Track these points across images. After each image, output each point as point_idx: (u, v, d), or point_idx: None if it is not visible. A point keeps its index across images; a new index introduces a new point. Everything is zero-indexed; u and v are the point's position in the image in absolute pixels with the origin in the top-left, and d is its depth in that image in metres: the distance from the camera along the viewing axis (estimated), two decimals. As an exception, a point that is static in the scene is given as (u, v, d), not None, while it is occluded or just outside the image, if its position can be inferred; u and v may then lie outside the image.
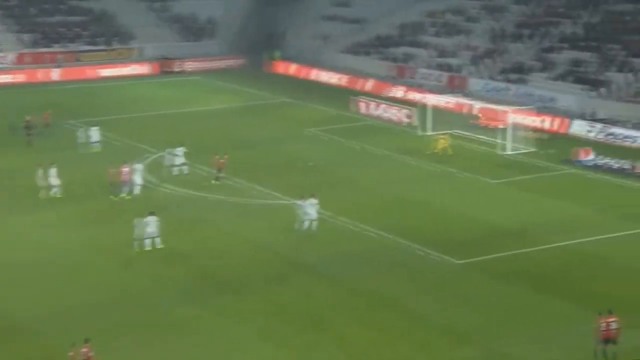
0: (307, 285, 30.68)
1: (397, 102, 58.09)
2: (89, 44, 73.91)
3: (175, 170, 42.92)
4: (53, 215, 37.58)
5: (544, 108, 55.28)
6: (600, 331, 24.99)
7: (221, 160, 41.76)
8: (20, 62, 70.34)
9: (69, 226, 36.48)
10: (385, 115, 55.73)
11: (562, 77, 58.90)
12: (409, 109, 54.86)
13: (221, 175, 41.67)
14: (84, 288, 30.47)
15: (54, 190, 39.55)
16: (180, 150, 43.10)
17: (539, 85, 58.88)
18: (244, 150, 44.65)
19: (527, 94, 58.15)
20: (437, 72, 64.62)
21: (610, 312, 25.27)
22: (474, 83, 61.77)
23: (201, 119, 56.43)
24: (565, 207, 38.98)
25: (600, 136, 51.32)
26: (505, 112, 49.31)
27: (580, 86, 57.24)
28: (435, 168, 45.03)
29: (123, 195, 39.33)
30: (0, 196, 40.24)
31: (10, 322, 27.84)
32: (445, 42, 68.78)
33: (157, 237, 33.46)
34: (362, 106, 57.32)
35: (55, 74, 69.27)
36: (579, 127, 52.57)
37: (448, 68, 64.73)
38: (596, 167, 44.94)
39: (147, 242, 33.43)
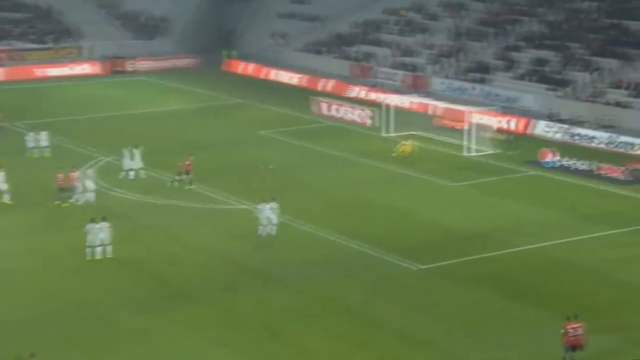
0: (263, 292, 30.57)
1: (358, 103, 58.25)
2: (35, 42, 73.04)
3: (132, 175, 42.55)
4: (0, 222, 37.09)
5: (507, 108, 55.84)
6: (565, 337, 25.20)
7: (187, 162, 41.46)
8: (-39, 61, 69.39)
9: (16, 233, 35.96)
10: (346, 116, 55.85)
11: (524, 77, 59.54)
12: (370, 110, 55.03)
13: (185, 178, 41.34)
14: (30, 298, 30.03)
15: (5, 197, 38.96)
16: (137, 153, 42.73)
17: (502, 84, 59.46)
18: (198, 153, 44.35)
19: (489, 93, 58.68)
20: (397, 72, 64.91)
21: (575, 317, 25.51)
22: (436, 83, 62.17)
23: (154, 121, 56.01)
24: (529, 209, 39.38)
25: (563, 137, 51.99)
26: (467, 112, 49.69)
27: (543, 86, 57.92)
28: (396, 171, 45.21)
29: (72, 201, 38.84)
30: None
31: (-49, 335, 27.34)
32: (406, 40, 69.14)
33: (108, 244, 33.09)
34: (322, 107, 57.35)
35: (-1, 74, 68.37)
36: (542, 128, 53.20)
37: (409, 67, 65.04)
38: (559, 169, 45.49)
39: (99, 249, 33.05)
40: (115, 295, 30.29)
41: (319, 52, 71.56)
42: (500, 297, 30.24)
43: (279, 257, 33.73)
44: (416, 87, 62.27)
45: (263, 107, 59.99)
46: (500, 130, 51.81)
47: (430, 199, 41.05)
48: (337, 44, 71.69)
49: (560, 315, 26.50)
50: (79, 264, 32.76)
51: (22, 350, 24.62)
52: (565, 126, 52.38)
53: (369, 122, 54.30)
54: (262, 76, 70.38)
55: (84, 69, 71.42)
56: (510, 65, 61.19)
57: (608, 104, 53.78)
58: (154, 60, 73.96)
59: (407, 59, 66.20)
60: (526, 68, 60.34)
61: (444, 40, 67.26)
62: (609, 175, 43.90)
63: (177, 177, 41.62)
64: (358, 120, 55.07)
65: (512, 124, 53.38)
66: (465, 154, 48.21)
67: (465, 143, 48.42)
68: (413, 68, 64.74)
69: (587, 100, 55.13)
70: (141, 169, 42.82)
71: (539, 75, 58.92)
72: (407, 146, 46.90)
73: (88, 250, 33.02)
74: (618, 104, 53.32)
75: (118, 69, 72.05)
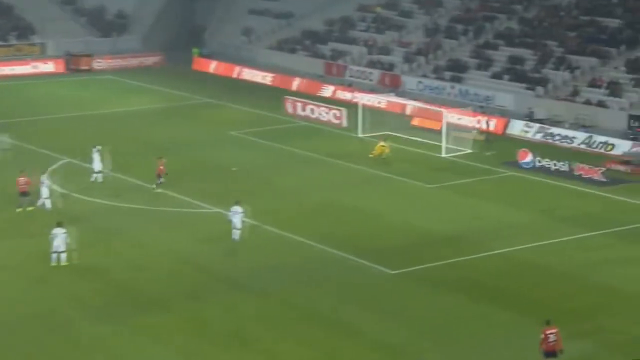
0: (232, 299, 30.42)
1: (329, 102, 58.23)
2: (-4, 39, 72.34)
3: (94, 177, 42.25)
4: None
5: (484, 108, 56.05)
6: (545, 343, 25.28)
7: (160, 167, 41.22)
8: None
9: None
10: (320, 116, 55.78)
11: (501, 75, 59.80)
12: (341, 110, 55.02)
13: (161, 181, 41.13)
14: (-12, 307, 29.70)
15: None
16: (97, 154, 42.41)
17: (476, 83, 59.68)
18: (167, 155, 43.97)
19: (466, 92, 58.89)
20: (373, 71, 64.94)
21: (548, 323, 25.59)
22: (412, 82, 62.29)
23: (116, 122, 55.56)
24: (505, 211, 39.54)
25: (541, 137, 52.28)
26: (443, 112, 49.81)
27: (520, 85, 58.20)
28: (371, 172, 45.21)
29: (32, 206, 38.43)
30: None
31: None
32: (381, 38, 69.24)
33: (62, 252, 32.71)
34: (295, 107, 57.26)
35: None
36: (520, 128, 53.45)
37: (385, 66, 65.12)
38: (538, 170, 45.72)
39: (62, 256, 32.70)
40: (76, 303, 30.02)
41: (292, 51, 71.45)
42: (475, 302, 30.31)
43: (248, 262, 33.58)
44: (391, 86, 62.36)
45: (234, 107, 59.78)
46: (478, 130, 52.00)
47: (405, 200, 41.09)
48: (311, 42, 71.62)
49: (536, 320, 26.59)
50: (42, 270, 32.41)
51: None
52: (545, 126, 52.66)
53: (343, 122, 54.29)
54: (233, 75, 70.15)
55: (38, 67, 70.48)
56: (487, 63, 61.43)
57: (588, 103, 54.12)
58: (120, 58, 73.42)
59: (382, 57, 66.22)
60: (500, 66, 60.62)
61: (416, 38, 67.36)
62: (588, 176, 44.17)
63: (158, 181, 41.26)
64: (333, 120, 55.04)
65: (489, 124, 53.55)
66: (441, 154, 48.33)
67: (442, 143, 48.54)
68: (389, 67, 64.81)
69: (565, 100, 55.47)
70: (99, 171, 42.43)
71: (516, 73, 59.21)
72: (384, 147, 46.95)
73: (54, 255, 32.69)
74: (599, 103, 53.64)
75: (83, 67, 71.44)
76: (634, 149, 48.35)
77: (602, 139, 50.13)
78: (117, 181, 42.81)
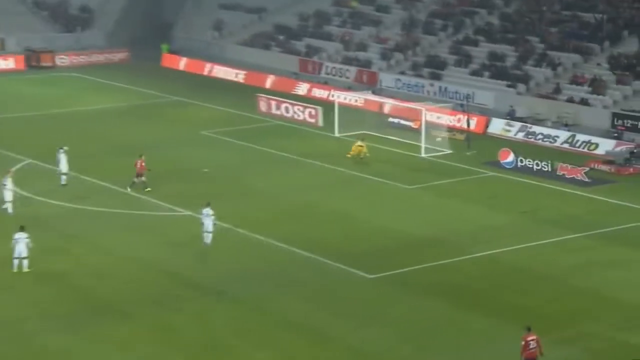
0: (202, 306, 30.24)
1: (303, 100, 58.15)
2: None
3: (63, 180, 41.90)
4: None
5: (464, 106, 56.15)
6: (522, 351, 25.29)
7: (141, 164, 40.94)
8: None
9: None
10: (295, 115, 55.67)
11: (481, 73, 59.96)
12: (317, 108, 54.95)
13: (142, 180, 40.83)
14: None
15: None
16: (63, 156, 42.02)
17: (455, 80, 59.81)
18: (130, 156, 43.67)
19: (445, 90, 58.99)
20: (349, 67, 64.87)
21: (528, 330, 25.59)
22: (389, 79, 62.32)
23: (80, 121, 55.22)
24: (487, 213, 39.63)
25: (521, 136, 52.48)
26: (422, 110, 49.86)
27: (501, 82, 58.39)
28: (348, 172, 45.18)
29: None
30: None
31: None
32: (357, 34, 69.21)
33: (24, 258, 32.35)
34: (266, 105, 57.12)
35: None
36: (501, 126, 53.63)
37: (362, 63, 65.09)
38: (520, 170, 45.86)
39: (24, 262, 32.36)
40: (34, 311, 29.68)
41: (265, 47, 71.29)
42: (455, 307, 30.32)
43: (220, 268, 33.41)
44: (369, 83, 62.37)
45: (205, 105, 59.56)
46: (457, 130, 52.13)
47: (384, 202, 41.08)
48: (285, 37, 71.49)
49: (518, 325, 26.62)
50: (3, 277, 32.06)
51: None
52: (526, 125, 52.87)
53: (319, 121, 54.22)
54: (204, 72, 69.93)
55: (8, 64, 70.17)
56: (466, 60, 61.57)
57: (571, 101, 54.36)
58: (85, 55, 73.09)
59: (359, 54, 66.23)
60: (480, 63, 60.79)
61: (397, 34, 67.43)
62: (571, 176, 44.38)
63: (136, 180, 40.97)
64: (308, 119, 54.96)
65: (469, 122, 53.66)
66: (421, 154, 48.39)
67: (421, 143, 48.59)
68: (365, 63, 64.81)
69: (547, 97, 55.71)
70: (66, 173, 42.06)
71: (496, 70, 59.40)
72: (361, 147, 46.92)
73: (15, 262, 32.34)
74: (582, 101, 53.89)
75: (45, 64, 70.90)
76: (618, 148, 48.66)
77: (585, 138, 50.42)
78: (83, 183, 42.46)
